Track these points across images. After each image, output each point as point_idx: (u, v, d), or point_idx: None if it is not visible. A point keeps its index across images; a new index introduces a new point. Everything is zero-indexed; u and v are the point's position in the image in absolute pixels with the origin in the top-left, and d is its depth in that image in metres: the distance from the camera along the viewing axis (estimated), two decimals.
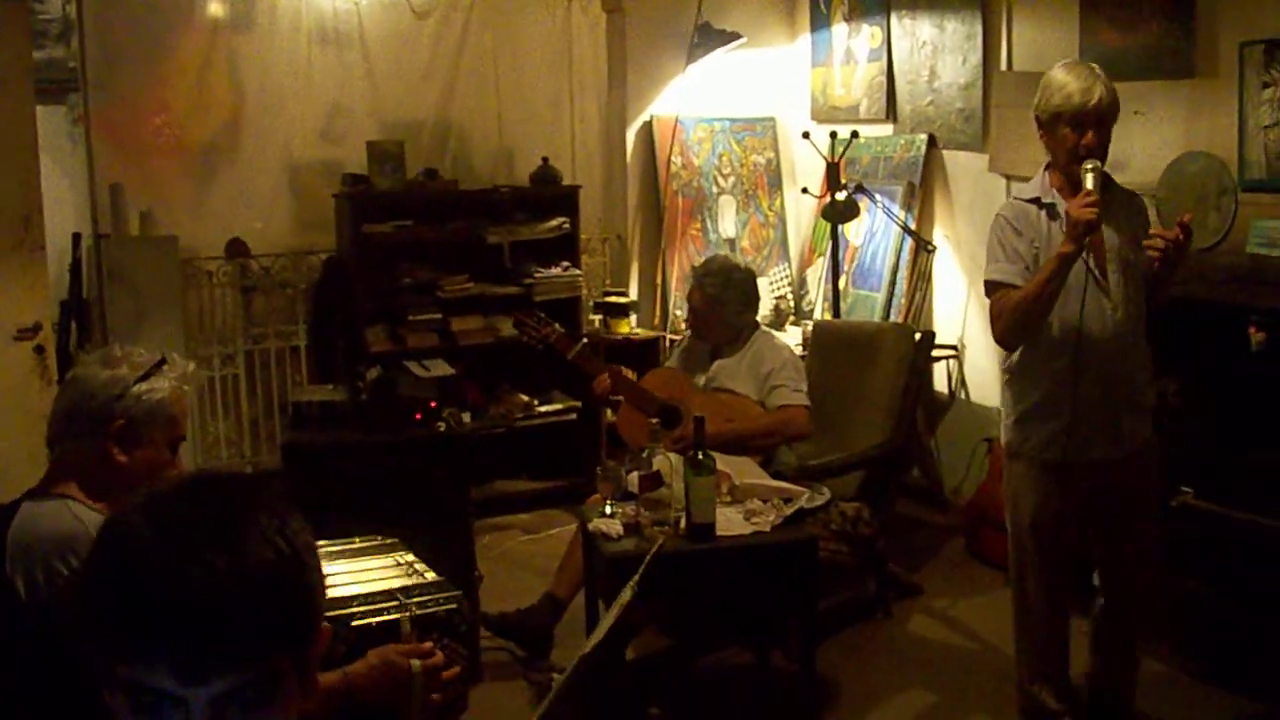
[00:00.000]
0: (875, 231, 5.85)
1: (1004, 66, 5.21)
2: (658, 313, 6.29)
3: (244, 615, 1.02)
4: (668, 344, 5.93)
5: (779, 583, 3.52)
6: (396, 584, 2.20)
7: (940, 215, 5.69)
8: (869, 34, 6.01)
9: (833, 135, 5.53)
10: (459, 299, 5.68)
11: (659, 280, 6.32)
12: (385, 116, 5.90)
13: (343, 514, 2.74)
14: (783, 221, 6.58)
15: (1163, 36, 4.34)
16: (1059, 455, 3.21)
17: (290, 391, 5.50)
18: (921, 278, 5.63)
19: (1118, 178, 3.31)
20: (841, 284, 5.66)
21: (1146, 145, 4.41)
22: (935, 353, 5.26)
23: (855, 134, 5.54)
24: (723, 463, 3.48)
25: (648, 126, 6.35)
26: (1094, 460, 3.22)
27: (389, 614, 2.05)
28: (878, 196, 5.61)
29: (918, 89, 5.71)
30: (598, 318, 6.06)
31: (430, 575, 2.27)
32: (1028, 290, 3.12)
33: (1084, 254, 3.07)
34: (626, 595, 2.36)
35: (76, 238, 5.10)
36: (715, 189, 6.43)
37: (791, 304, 6.38)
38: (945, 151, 5.61)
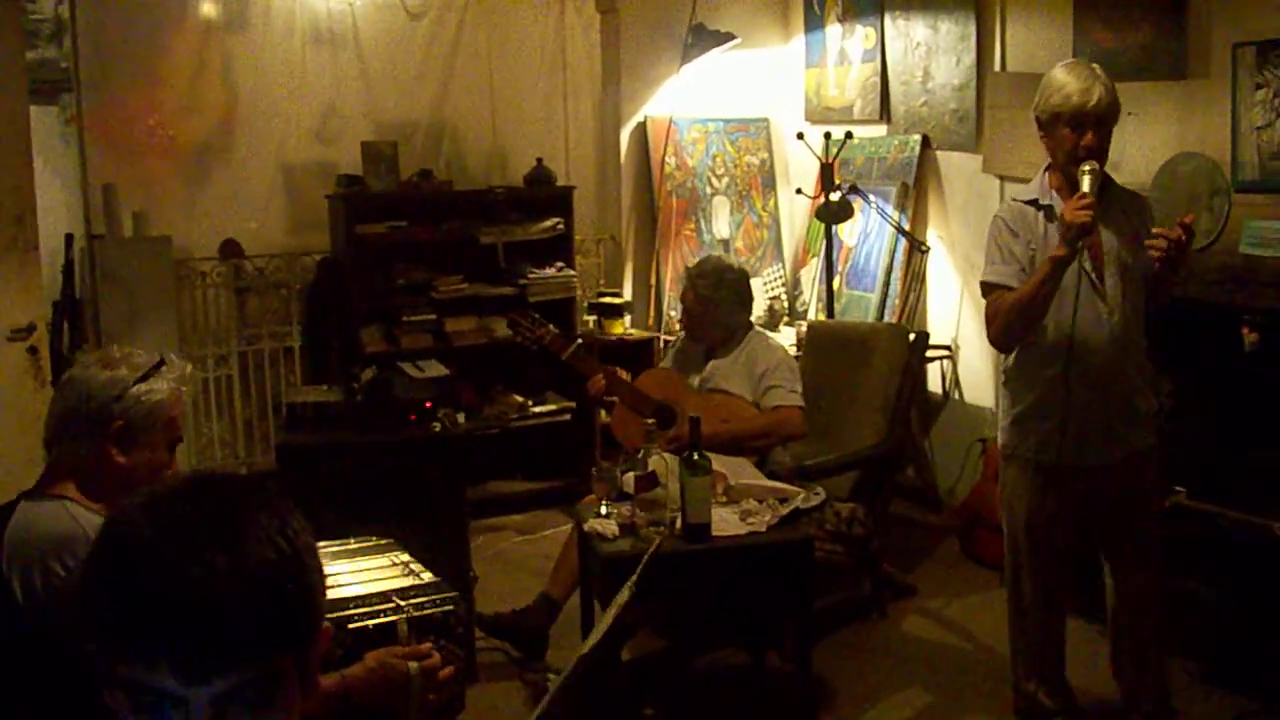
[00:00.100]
0: (869, 232, 5.85)
1: (998, 67, 5.21)
2: (652, 313, 6.29)
3: (245, 615, 1.01)
4: (662, 345, 5.93)
5: (775, 583, 3.52)
6: (393, 585, 2.20)
7: (934, 216, 5.69)
8: (863, 35, 6.02)
9: (827, 136, 5.53)
10: (453, 300, 5.68)
11: (653, 281, 6.32)
12: (379, 117, 5.91)
13: (338, 515, 2.74)
14: (776, 222, 6.59)
15: (1156, 37, 4.35)
16: (1053, 458, 3.20)
17: (285, 392, 5.49)
18: (915, 278, 5.64)
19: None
20: (835, 284, 5.66)
21: (1140, 146, 4.42)
22: (929, 353, 5.27)
23: (849, 135, 5.54)
24: (718, 463, 3.48)
25: (642, 127, 6.35)
26: (1089, 464, 3.21)
27: (386, 616, 2.05)
28: (872, 197, 5.61)
29: (911, 90, 5.72)
30: (592, 318, 6.06)
31: (427, 576, 2.28)
32: (1021, 293, 3.11)
33: (1080, 257, 3.06)
34: (624, 595, 2.36)
35: (69, 238, 5.09)
36: (709, 190, 6.43)
37: (785, 304, 6.38)
38: (939, 152, 5.62)
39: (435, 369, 5.20)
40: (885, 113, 5.90)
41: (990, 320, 3.24)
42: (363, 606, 2.07)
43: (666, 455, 3.57)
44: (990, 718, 3.69)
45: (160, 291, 5.28)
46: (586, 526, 3.48)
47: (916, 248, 5.58)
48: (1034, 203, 3.21)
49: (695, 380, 4.30)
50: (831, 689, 3.90)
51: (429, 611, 2.08)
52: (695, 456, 3.27)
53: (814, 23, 6.38)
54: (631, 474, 3.53)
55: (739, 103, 6.54)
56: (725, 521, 3.41)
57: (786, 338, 5.69)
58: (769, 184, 6.58)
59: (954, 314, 5.58)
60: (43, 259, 4.30)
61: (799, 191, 6.13)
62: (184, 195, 5.59)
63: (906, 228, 5.59)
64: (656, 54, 6.30)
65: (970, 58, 5.32)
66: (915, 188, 5.66)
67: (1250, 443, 3.67)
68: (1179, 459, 3.75)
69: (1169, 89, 4.31)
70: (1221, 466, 3.73)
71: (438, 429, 4.11)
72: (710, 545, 3.32)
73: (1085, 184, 3.00)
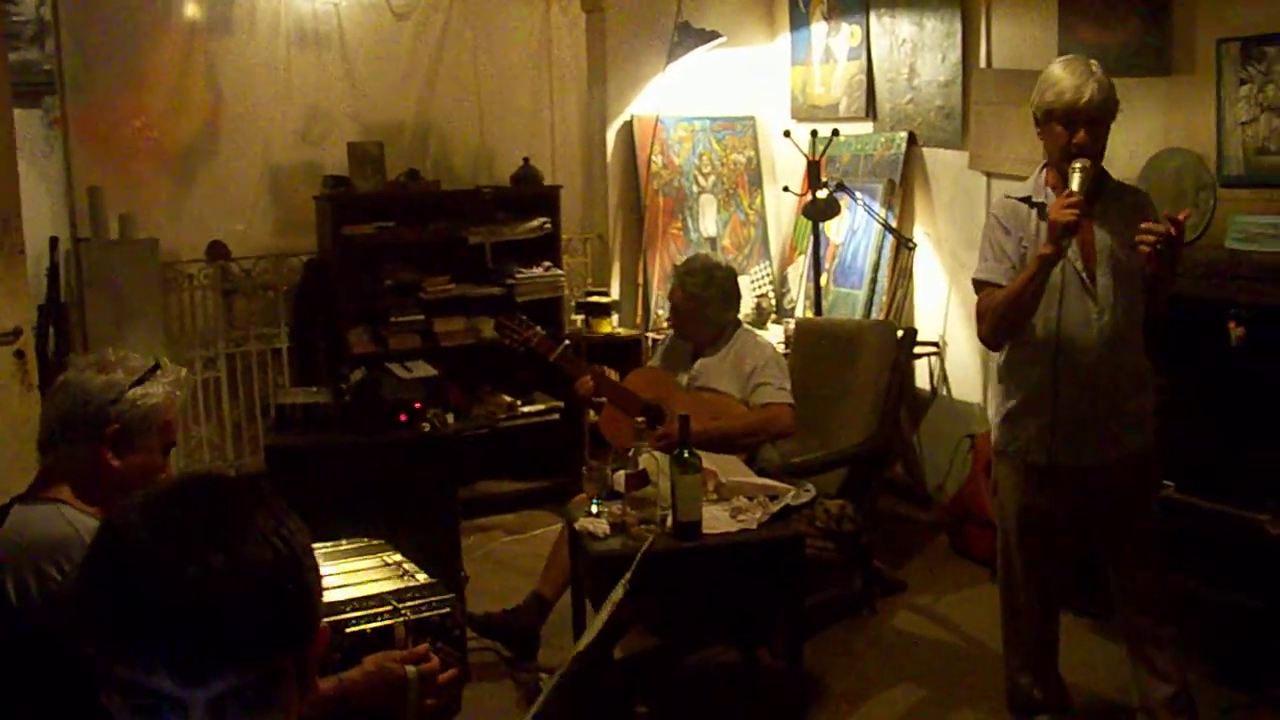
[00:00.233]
0: (856, 229, 5.87)
1: (983, 64, 5.23)
2: (639, 312, 6.30)
3: (242, 615, 1.01)
4: (650, 343, 5.93)
5: (765, 580, 3.52)
6: (388, 587, 2.20)
7: (921, 212, 5.71)
8: (848, 32, 6.03)
9: (813, 133, 5.54)
10: (441, 300, 5.67)
11: (640, 279, 6.32)
12: (365, 118, 5.89)
13: (328, 516, 2.73)
14: (763, 220, 6.60)
15: (1141, 34, 4.37)
16: (1043, 458, 3.18)
17: (273, 394, 5.48)
18: (902, 275, 5.65)
19: None
20: (823, 282, 5.67)
21: (1125, 142, 4.42)
22: (917, 350, 5.28)
23: (836, 132, 5.55)
24: (708, 461, 3.48)
25: (628, 126, 6.35)
26: (1083, 464, 3.17)
27: (383, 620, 2.05)
28: (858, 194, 5.62)
29: (897, 87, 5.73)
30: (579, 317, 6.06)
31: (421, 577, 2.27)
32: (1008, 291, 3.10)
33: (1071, 255, 3.04)
34: (619, 593, 2.36)
35: (54, 242, 5.07)
36: (696, 188, 6.44)
37: (773, 302, 6.39)
38: (925, 149, 5.63)
39: (423, 369, 5.19)
40: (871, 110, 5.92)
41: (980, 317, 3.23)
42: (360, 610, 2.07)
43: (657, 453, 3.57)
44: (981, 713, 3.70)
45: (147, 294, 5.25)
46: (577, 525, 3.48)
47: (903, 244, 5.59)
48: (1028, 200, 3.19)
49: (684, 379, 4.31)
50: (822, 685, 3.90)
51: (426, 614, 2.08)
52: (685, 454, 3.27)
53: (799, 20, 6.39)
54: (622, 472, 3.53)
55: (725, 101, 6.55)
56: (716, 519, 3.41)
57: (774, 335, 5.70)
58: (755, 182, 6.59)
59: (941, 310, 5.59)
60: (27, 263, 4.27)
61: (786, 189, 6.14)
62: (170, 197, 5.57)
63: (893, 224, 5.61)
64: (642, 53, 6.30)
65: (956, 55, 5.33)
66: (902, 185, 5.67)
67: (1237, 437, 3.68)
68: (1166, 454, 3.76)
69: (1154, 85, 4.33)
70: (1208, 461, 3.74)
71: (427, 429, 4.11)
72: (701, 543, 3.33)
73: (1074, 182, 2.97)
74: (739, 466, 3.80)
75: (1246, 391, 3.67)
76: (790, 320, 5.84)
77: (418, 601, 2.11)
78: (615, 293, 6.32)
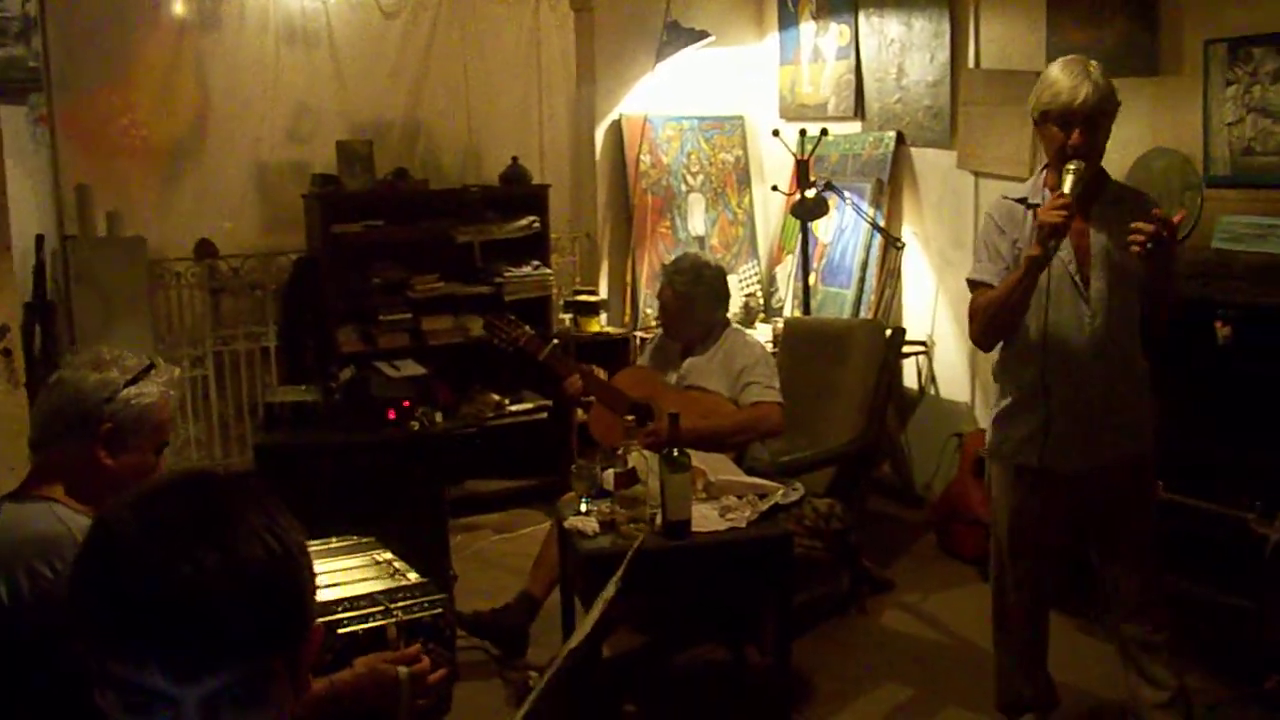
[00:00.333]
0: (844, 228, 5.88)
1: (971, 64, 5.24)
2: (628, 311, 6.30)
3: (235, 613, 1.01)
4: (638, 342, 5.93)
5: (754, 578, 3.52)
6: (379, 586, 2.19)
7: (909, 212, 5.72)
8: (837, 32, 6.04)
9: (802, 133, 5.55)
10: (429, 299, 5.66)
11: (629, 278, 6.32)
12: (354, 116, 5.88)
13: (317, 515, 2.72)
14: (752, 219, 6.60)
15: (1128, 34, 4.39)
16: (1035, 461, 3.16)
17: (261, 393, 5.47)
18: (891, 274, 5.66)
19: None
20: (811, 281, 5.68)
21: (1112, 142, 4.36)
22: (905, 349, 5.29)
23: (824, 131, 5.56)
24: (697, 459, 3.48)
25: (617, 125, 6.35)
26: (1075, 467, 3.15)
27: (375, 620, 2.04)
28: (846, 194, 5.63)
29: (886, 86, 5.74)
30: (568, 316, 6.06)
31: (412, 576, 2.27)
32: (998, 292, 3.09)
33: (1065, 257, 3.02)
34: (610, 591, 2.35)
35: (40, 239, 5.05)
36: (684, 187, 6.44)
37: (761, 301, 6.40)
38: (913, 149, 5.64)
39: (412, 368, 5.19)
40: (860, 109, 5.93)
41: (971, 318, 3.23)
42: (352, 610, 2.06)
43: (645, 452, 3.57)
44: (969, 711, 3.71)
45: (134, 292, 5.23)
46: (567, 524, 3.48)
47: (892, 244, 5.60)
48: (1024, 200, 3.17)
49: (672, 378, 4.31)
50: (811, 683, 3.91)
51: (419, 615, 2.07)
52: (675, 453, 3.27)
53: (788, 20, 6.40)
54: (611, 471, 3.53)
55: (714, 100, 6.55)
56: (705, 518, 3.41)
57: (762, 335, 5.71)
58: (744, 181, 6.60)
59: (929, 309, 5.60)
60: (14, 260, 4.26)
61: (774, 188, 6.15)
62: (158, 195, 5.55)
63: (881, 224, 5.62)
64: (631, 52, 6.31)
65: (944, 54, 5.34)
66: (890, 184, 5.69)
67: (1224, 436, 3.70)
68: (1155, 453, 3.78)
69: (1142, 85, 4.34)
70: (1195, 459, 3.75)
71: (415, 428, 4.11)
72: (690, 541, 3.33)
73: (1066, 184, 2.95)
74: (728, 465, 3.80)
75: (1233, 391, 3.68)
76: (778, 319, 5.85)
77: (410, 601, 2.10)
78: (604, 292, 6.32)
